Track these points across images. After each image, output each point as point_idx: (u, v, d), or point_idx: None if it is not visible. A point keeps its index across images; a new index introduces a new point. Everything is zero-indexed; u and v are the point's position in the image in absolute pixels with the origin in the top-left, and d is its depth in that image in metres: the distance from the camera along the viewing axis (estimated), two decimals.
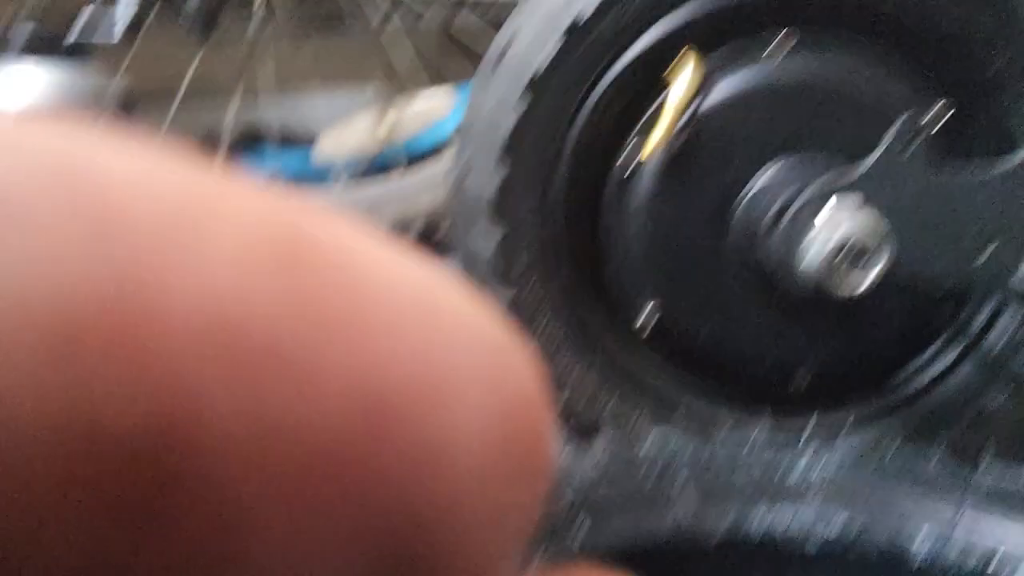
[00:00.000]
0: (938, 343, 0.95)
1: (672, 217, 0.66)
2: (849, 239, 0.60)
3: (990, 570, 0.42)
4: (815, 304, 0.71)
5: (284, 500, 0.10)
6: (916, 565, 0.43)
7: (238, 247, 0.10)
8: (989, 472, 0.47)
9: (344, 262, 0.10)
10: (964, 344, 0.96)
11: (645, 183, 0.65)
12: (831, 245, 0.59)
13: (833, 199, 0.60)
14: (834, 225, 0.60)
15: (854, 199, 0.61)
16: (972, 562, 0.42)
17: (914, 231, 0.69)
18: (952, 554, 0.43)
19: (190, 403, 0.09)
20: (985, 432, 1.01)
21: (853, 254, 0.61)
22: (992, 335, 0.98)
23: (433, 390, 0.10)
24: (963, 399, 0.98)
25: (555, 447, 0.12)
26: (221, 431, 0.09)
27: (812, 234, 0.60)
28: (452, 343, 0.11)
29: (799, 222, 0.62)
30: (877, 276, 0.63)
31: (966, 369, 0.98)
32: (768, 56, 0.65)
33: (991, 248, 0.75)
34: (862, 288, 0.63)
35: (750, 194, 0.65)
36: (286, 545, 0.10)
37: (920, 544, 0.44)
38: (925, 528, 0.45)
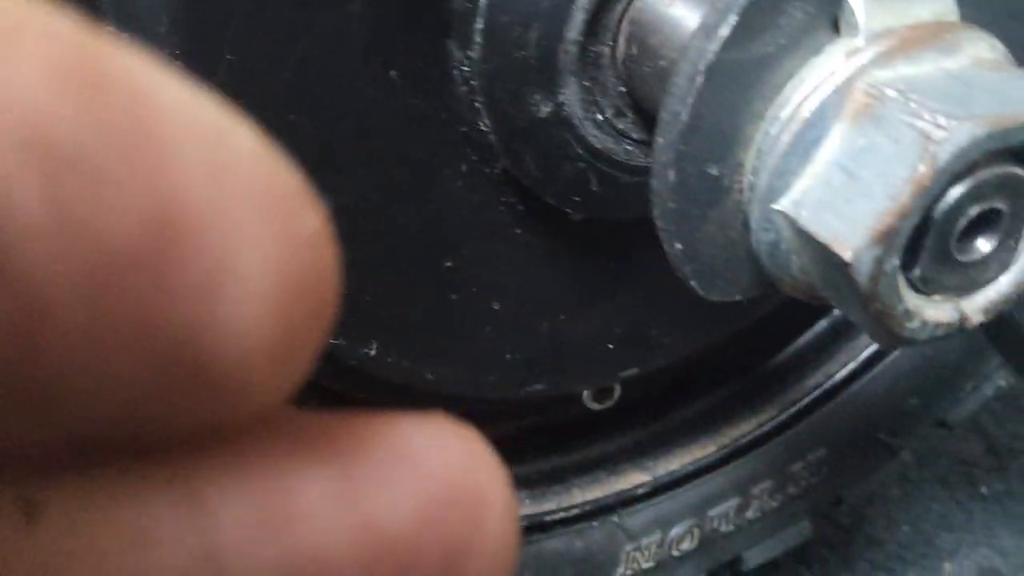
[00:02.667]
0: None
1: None
2: None
3: None
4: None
5: (84, 297, 0.11)
6: None
7: (44, 69, 0.11)
8: None
9: (142, 88, 0.12)
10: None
11: None
12: None
13: None
14: None
15: None
16: None
17: None
18: None
19: None
20: None
21: None
22: None
23: (223, 220, 0.12)
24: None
25: (336, 294, 0.14)
26: (28, 220, 0.11)
27: None
28: (243, 179, 0.13)
29: None
30: None
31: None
32: None
33: None
34: None
35: None
36: (84, 343, 0.11)
37: None
38: None
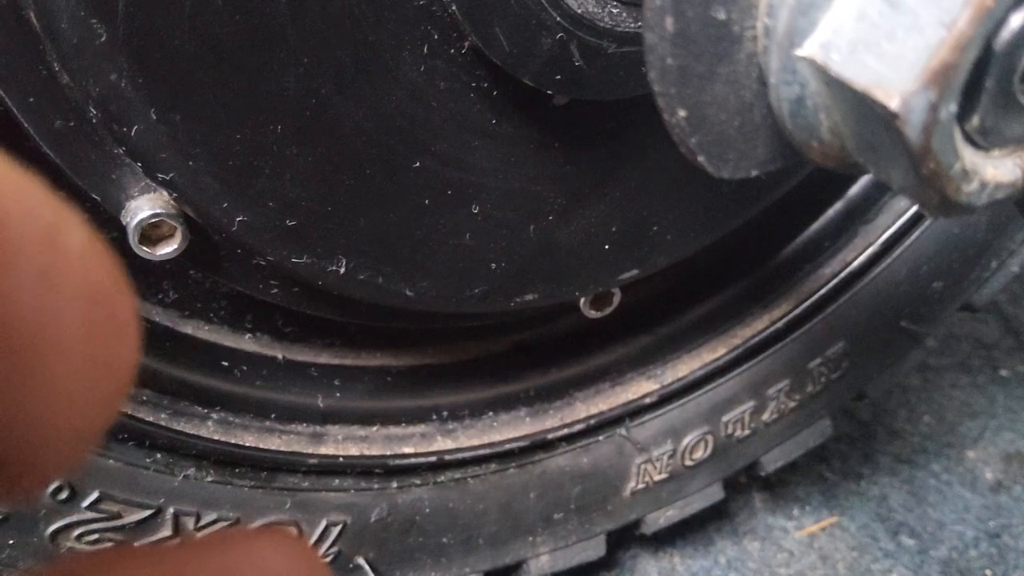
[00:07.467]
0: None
1: None
2: None
3: None
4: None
5: None
6: None
7: None
8: None
9: None
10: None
11: None
12: None
13: None
14: None
15: None
16: None
17: None
18: None
19: None
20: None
21: None
22: None
23: (48, 317, 0.13)
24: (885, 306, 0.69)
25: (135, 367, 0.15)
26: None
27: None
28: (68, 278, 0.13)
29: None
30: None
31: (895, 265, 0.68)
32: None
33: None
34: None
35: None
36: None
37: None
38: None
